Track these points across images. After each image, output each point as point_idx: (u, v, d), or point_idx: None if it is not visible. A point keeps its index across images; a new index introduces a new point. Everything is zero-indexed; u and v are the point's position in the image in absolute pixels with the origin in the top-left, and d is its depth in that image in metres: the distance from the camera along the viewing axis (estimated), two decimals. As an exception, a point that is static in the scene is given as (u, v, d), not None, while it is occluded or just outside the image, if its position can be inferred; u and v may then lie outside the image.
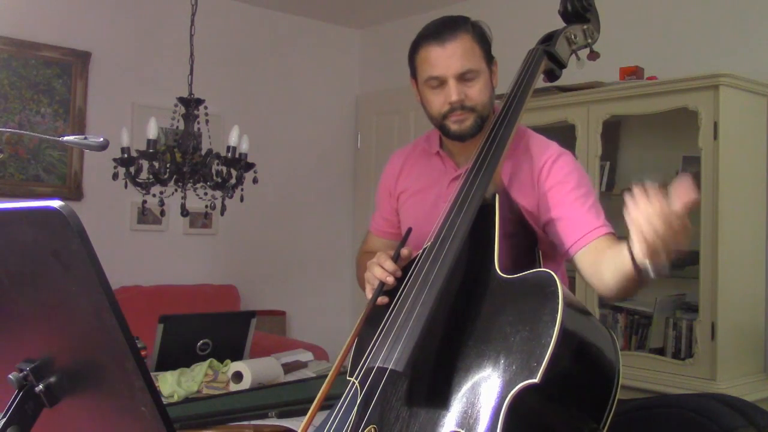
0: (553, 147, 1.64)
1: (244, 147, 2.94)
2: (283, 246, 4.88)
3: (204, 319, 2.75)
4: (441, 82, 1.57)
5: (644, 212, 1.12)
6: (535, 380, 1.10)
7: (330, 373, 1.38)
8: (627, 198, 1.15)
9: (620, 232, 1.40)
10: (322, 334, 4.66)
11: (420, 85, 1.63)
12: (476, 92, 1.57)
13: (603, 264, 1.45)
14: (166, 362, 2.34)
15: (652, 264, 1.17)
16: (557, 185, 1.58)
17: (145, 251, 4.30)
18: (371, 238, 1.91)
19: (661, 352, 3.23)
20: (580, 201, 1.56)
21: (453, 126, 1.59)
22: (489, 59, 1.62)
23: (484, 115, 1.59)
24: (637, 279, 1.30)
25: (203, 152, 3.02)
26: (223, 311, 4.04)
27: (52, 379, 0.89)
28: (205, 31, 3.76)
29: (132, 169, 2.90)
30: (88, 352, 0.88)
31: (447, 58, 1.55)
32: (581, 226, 1.53)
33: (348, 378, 1.36)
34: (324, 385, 1.35)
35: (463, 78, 1.56)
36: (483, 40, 1.61)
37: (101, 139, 2.00)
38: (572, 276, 1.79)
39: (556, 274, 1.20)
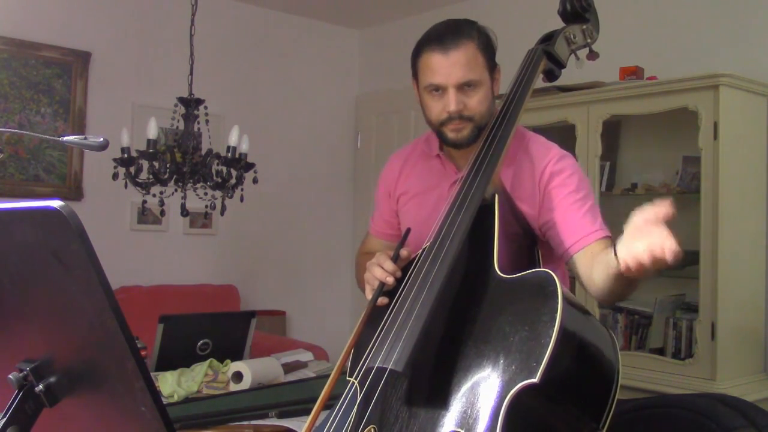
0: (554, 149, 1.64)
1: (244, 147, 2.94)
2: (283, 246, 4.88)
3: (204, 319, 2.75)
4: (441, 90, 1.55)
5: (647, 238, 1.13)
6: (535, 380, 1.10)
7: (332, 375, 1.38)
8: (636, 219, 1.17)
9: (619, 233, 1.40)
10: (322, 334, 4.66)
11: (420, 89, 1.62)
12: (475, 102, 1.55)
13: (595, 267, 1.46)
14: (166, 362, 2.34)
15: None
16: (556, 188, 1.58)
17: (145, 251, 4.30)
18: (370, 239, 1.91)
19: (661, 352, 3.23)
20: (577, 204, 1.56)
21: (450, 134, 1.58)
22: (492, 67, 1.59)
23: (481, 125, 1.58)
24: (625, 282, 1.33)
25: (203, 152, 3.02)
26: (223, 311, 4.04)
27: (52, 379, 0.89)
28: (205, 31, 3.76)
29: (132, 169, 2.90)
30: (88, 352, 0.88)
31: (448, 66, 1.53)
32: (577, 230, 1.54)
33: (347, 378, 1.36)
34: (326, 386, 1.35)
35: (463, 87, 1.54)
36: (487, 48, 1.58)
37: (101, 139, 2.00)
38: (573, 276, 1.79)
39: (555, 274, 1.20)
